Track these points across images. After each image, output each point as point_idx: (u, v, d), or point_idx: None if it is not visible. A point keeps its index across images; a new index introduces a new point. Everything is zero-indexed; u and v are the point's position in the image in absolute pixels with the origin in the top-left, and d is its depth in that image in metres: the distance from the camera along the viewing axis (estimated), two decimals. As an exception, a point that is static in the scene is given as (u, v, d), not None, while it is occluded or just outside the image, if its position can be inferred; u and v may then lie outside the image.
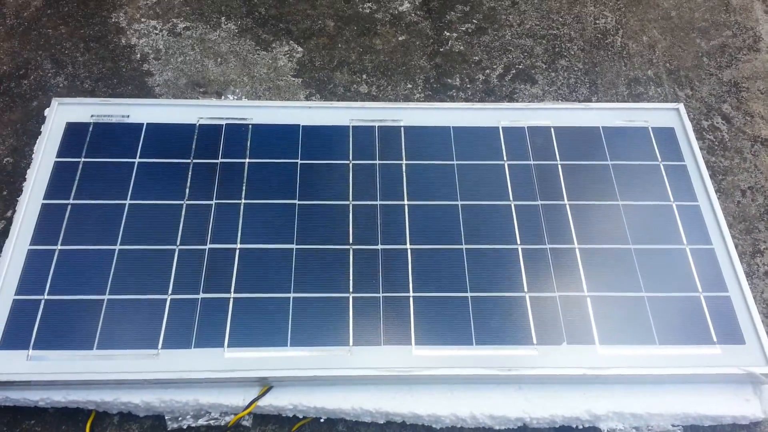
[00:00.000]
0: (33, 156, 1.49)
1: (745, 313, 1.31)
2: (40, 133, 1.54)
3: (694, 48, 1.92)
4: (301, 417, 1.26)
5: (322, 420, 1.27)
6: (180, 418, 1.25)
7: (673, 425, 1.25)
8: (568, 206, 1.44)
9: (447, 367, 1.22)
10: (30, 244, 1.35)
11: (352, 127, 1.55)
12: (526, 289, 1.32)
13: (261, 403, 1.23)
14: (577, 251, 1.38)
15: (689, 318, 1.30)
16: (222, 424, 1.25)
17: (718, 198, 1.52)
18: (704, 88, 1.83)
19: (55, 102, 1.56)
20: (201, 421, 1.25)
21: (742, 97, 1.81)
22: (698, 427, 1.28)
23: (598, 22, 1.98)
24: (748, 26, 1.97)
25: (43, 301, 1.28)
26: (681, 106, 1.60)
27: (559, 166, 1.50)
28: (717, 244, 1.40)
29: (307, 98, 1.78)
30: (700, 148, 1.63)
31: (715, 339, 1.28)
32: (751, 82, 1.84)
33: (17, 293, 1.29)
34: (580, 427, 1.25)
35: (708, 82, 1.84)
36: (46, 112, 1.57)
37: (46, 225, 1.38)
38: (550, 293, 1.32)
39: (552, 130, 1.56)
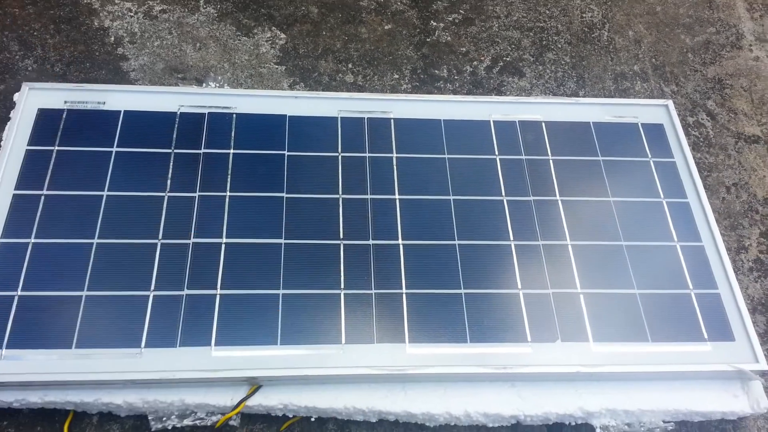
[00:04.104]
0: (2, 143, 1.41)
1: (735, 310, 1.32)
2: (8, 118, 1.45)
3: (679, 44, 1.93)
4: (290, 416, 1.23)
5: (312, 419, 1.24)
6: (164, 419, 1.20)
7: (664, 421, 1.25)
8: (560, 202, 1.42)
9: (442, 366, 1.20)
10: (1, 237, 1.27)
11: (341, 118, 1.50)
12: (520, 286, 1.31)
13: (250, 402, 1.19)
14: (570, 248, 1.37)
15: (681, 315, 1.30)
16: (208, 424, 1.21)
17: (704, 195, 1.53)
18: (689, 85, 1.84)
19: (25, 87, 1.47)
20: (186, 422, 1.21)
21: (726, 93, 1.83)
22: (688, 423, 1.29)
23: (584, 15, 1.97)
24: (731, 23, 1.99)
25: (16, 297, 1.21)
26: (670, 103, 1.60)
27: (551, 161, 1.48)
28: (707, 241, 1.40)
29: (291, 87, 1.73)
30: (687, 145, 1.63)
31: (706, 336, 1.29)
32: (734, 79, 1.86)
33: (-12, 289, 1.22)
34: (573, 423, 1.25)
35: (693, 79, 1.85)
36: (16, 96, 1.48)
37: (19, 217, 1.30)
38: (544, 290, 1.31)
39: (543, 124, 1.54)
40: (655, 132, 1.56)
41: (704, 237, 1.41)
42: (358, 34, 1.86)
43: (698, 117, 1.77)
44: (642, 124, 1.57)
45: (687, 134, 1.72)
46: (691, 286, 1.34)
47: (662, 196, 1.46)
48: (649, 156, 1.52)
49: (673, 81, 1.84)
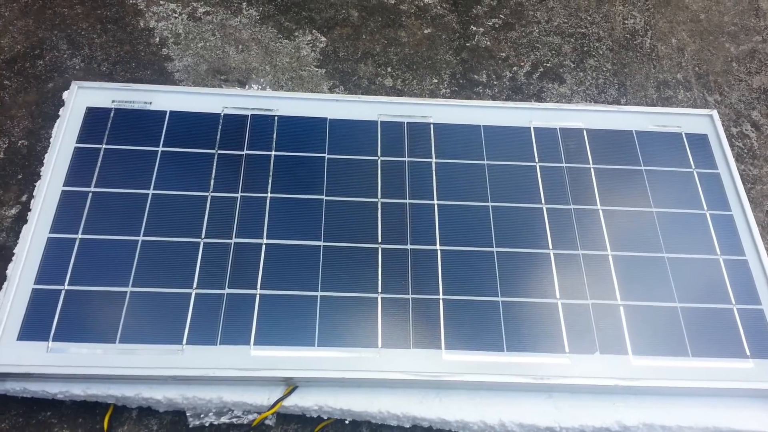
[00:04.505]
0: (51, 140, 1.45)
1: (778, 327, 1.29)
2: (56, 116, 1.49)
3: (723, 52, 1.89)
4: (325, 417, 1.24)
5: (347, 422, 1.25)
6: (202, 415, 1.23)
7: (703, 438, 1.23)
8: (601, 211, 1.41)
9: (478, 374, 1.20)
10: (50, 232, 1.31)
11: (381, 122, 1.51)
12: (558, 296, 1.30)
13: (286, 402, 1.21)
14: (610, 258, 1.35)
15: (722, 330, 1.28)
16: (245, 422, 1.23)
17: (749, 207, 1.50)
18: (734, 94, 1.80)
19: (74, 85, 1.51)
20: (223, 419, 1.23)
21: (772, 104, 1.79)
22: (727, 441, 1.26)
23: (626, 22, 1.95)
24: (778, 32, 1.95)
25: (63, 291, 1.25)
26: (714, 113, 1.57)
27: (592, 169, 1.47)
28: (750, 255, 1.38)
29: (330, 90, 1.74)
30: (730, 156, 1.61)
31: (748, 353, 1.26)
32: (780, 89, 1.82)
33: (36, 282, 1.25)
34: (610, 437, 1.24)
35: (737, 88, 1.82)
36: (65, 95, 1.53)
37: (67, 213, 1.34)
38: (583, 300, 1.30)
39: (584, 132, 1.53)
40: (699, 142, 1.53)
41: (748, 251, 1.38)
42: (398, 38, 1.87)
43: (742, 128, 1.74)
44: (686, 134, 1.54)
45: (730, 145, 1.69)
46: (733, 301, 1.32)
47: (705, 207, 1.44)
48: (693, 167, 1.49)
49: (717, 90, 1.81)
